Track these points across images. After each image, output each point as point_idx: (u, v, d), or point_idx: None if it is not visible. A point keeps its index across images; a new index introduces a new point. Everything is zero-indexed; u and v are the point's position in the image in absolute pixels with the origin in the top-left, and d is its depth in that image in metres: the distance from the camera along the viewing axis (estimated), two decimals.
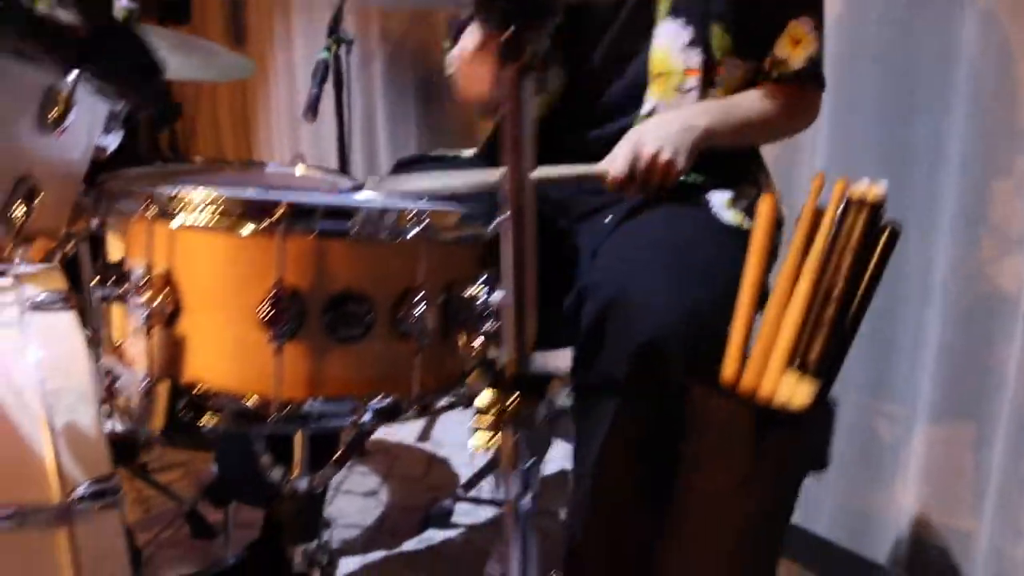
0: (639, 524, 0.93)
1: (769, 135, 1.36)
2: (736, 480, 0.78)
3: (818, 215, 0.79)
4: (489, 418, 0.74)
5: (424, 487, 1.92)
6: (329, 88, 2.04)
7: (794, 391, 0.76)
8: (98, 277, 0.99)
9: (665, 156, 1.16)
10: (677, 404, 0.89)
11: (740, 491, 0.78)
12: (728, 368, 0.83)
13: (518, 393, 0.70)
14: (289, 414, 0.87)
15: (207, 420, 0.89)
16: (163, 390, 0.89)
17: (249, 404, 0.87)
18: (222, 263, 0.88)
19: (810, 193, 0.81)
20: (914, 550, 1.65)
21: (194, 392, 0.88)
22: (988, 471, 1.55)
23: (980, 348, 1.54)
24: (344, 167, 2.17)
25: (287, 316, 0.85)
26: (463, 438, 2.15)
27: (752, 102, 1.28)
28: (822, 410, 0.76)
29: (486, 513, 1.81)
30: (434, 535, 1.73)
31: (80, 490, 1.01)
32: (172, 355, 0.90)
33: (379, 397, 0.90)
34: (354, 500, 1.85)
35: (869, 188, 0.75)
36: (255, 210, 0.86)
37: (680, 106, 1.25)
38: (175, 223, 0.88)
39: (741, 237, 1.23)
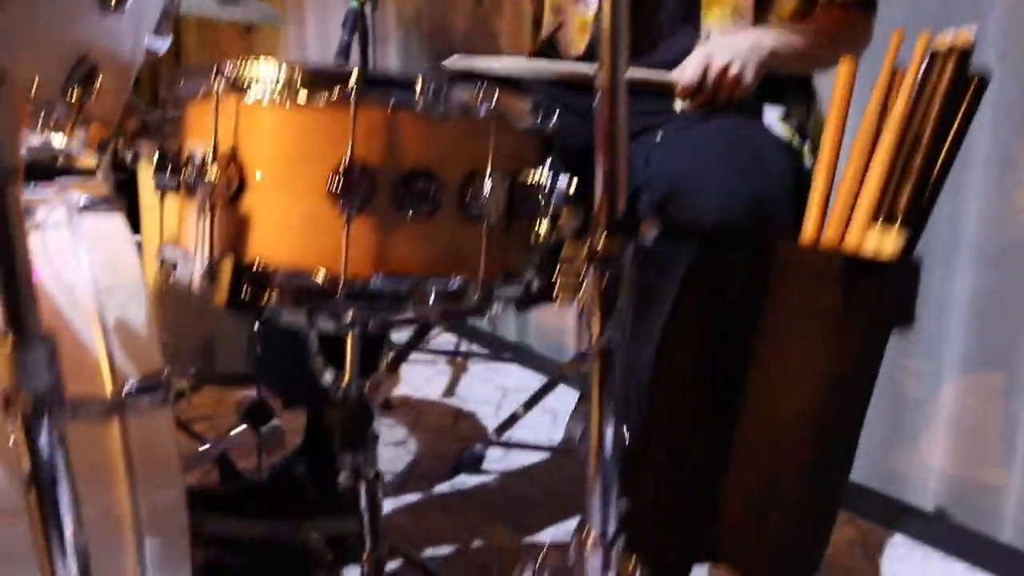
0: (706, 410, 0.91)
1: (823, 61, 1.37)
2: (823, 335, 0.76)
3: (896, 74, 0.78)
4: (574, 268, 0.72)
5: (453, 437, 1.90)
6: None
7: (881, 243, 0.74)
8: (155, 167, 0.98)
9: (735, 69, 1.17)
10: (744, 283, 0.88)
11: (827, 347, 0.76)
12: (808, 226, 0.81)
13: (607, 232, 0.69)
14: (356, 290, 0.86)
15: (270, 297, 0.87)
16: (226, 267, 0.87)
17: (317, 279, 0.85)
18: (291, 136, 0.86)
19: (889, 49, 0.80)
20: (942, 506, 1.63)
21: (258, 268, 0.87)
22: (1018, 424, 1.54)
23: (1011, 297, 1.53)
24: None
25: (358, 188, 0.84)
26: (489, 394, 2.15)
27: (809, 31, 1.29)
28: (910, 262, 0.75)
29: (518, 459, 1.79)
30: (466, 480, 1.70)
31: (131, 384, 1.00)
32: (236, 233, 0.88)
33: (445, 278, 0.89)
34: (383, 449, 1.83)
35: (958, 34, 0.74)
36: (327, 80, 0.85)
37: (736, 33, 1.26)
38: (242, 99, 0.87)
39: (793, 153, 1.23)
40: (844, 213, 0.78)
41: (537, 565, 0.77)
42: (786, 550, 0.85)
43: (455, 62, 1.25)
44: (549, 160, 0.94)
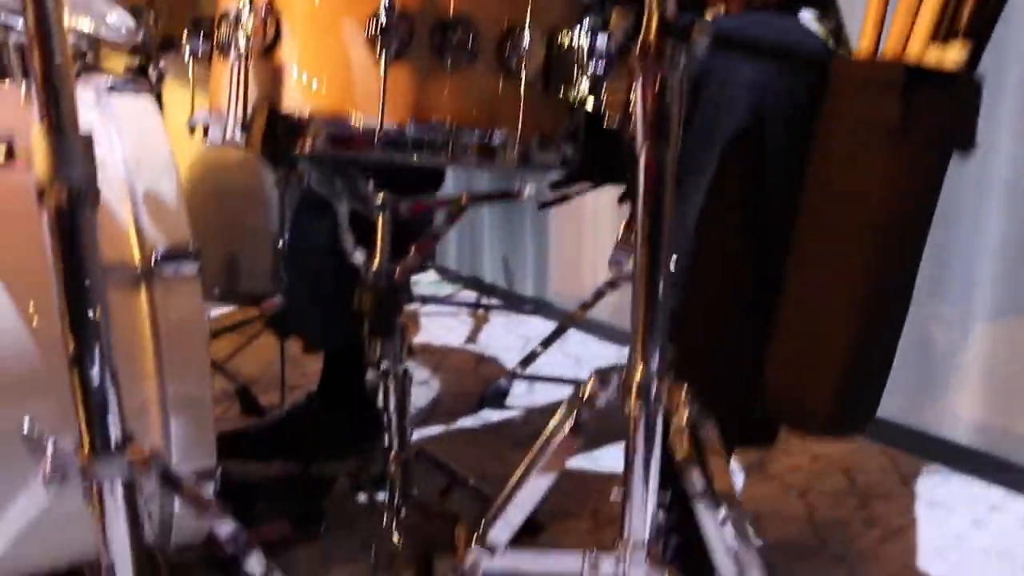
0: (753, 262, 0.88)
1: None
2: (881, 153, 0.73)
3: None
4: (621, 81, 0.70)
5: (475, 378, 1.88)
6: None
7: (943, 57, 0.71)
8: (187, 36, 0.97)
9: None
10: (792, 112, 0.85)
11: (885, 165, 0.72)
12: (865, 41, 0.78)
13: (660, 33, 0.66)
14: (392, 137, 0.84)
15: (304, 145, 0.86)
16: (261, 115, 0.86)
17: (353, 123, 0.84)
18: None
19: None
20: (974, 459, 1.59)
21: (293, 117, 0.85)
22: None
23: None
24: None
25: (396, 33, 0.82)
26: (511, 342, 2.12)
27: None
28: (973, 77, 0.72)
29: (544, 395, 1.76)
30: (490, 415, 1.68)
31: (159, 252, 0.99)
32: (271, 84, 0.86)
33: (482, 131, 0.87)
34: None
35: None
36: None
37: None
38: None
39: (828, 52, 1.20)
40: (903, 29, 0.75)
41: (584, 397, 0.74)
42: (842, 396, 0.82)
43: None
44: (588, 21, 0.92)
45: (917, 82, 0.72)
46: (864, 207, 0.76)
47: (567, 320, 1.90)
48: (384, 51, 0.82)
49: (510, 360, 1.99)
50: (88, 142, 0.65)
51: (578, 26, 0.91)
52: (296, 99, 0.85)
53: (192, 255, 0.99)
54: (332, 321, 1.34)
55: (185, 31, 0.96)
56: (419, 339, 2.10)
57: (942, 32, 0.72)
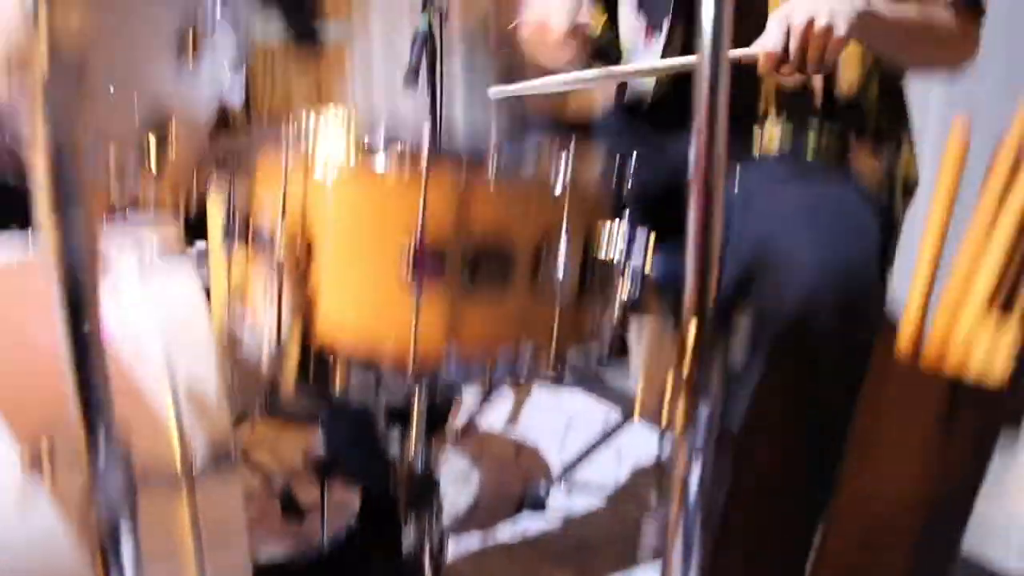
0: (791, 503, 0.86)
1: (920, 54, 1.14)
2: (923, 444, 0.70)
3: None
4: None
5: (516, 471, 1.87)
6: None
7: (995, 344, 0.68)
8: (224, 231, 0.97)
9: (821, 23, 0.99)
10: (832, 369, 0.83)
11: (927, 454, 0.70)
12: (910, 314, 0.75)
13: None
14: (426, 368, 0.83)
15: (338, 382, 0.86)
16: (293, 350, 0.86)
17: (384, 361, 0.83)
18: (360, 210, 0.85)
19: (1016, 120, 0.73)
20: None
21: (325, 351, 0.85)
22: None
23: None
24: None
25: (429, 264, 0.81)
26: (554, 423, 2.07)
27: (913, 7, 1.09)
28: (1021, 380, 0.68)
29: (581, 504, 1.75)
30: (529, 527, 1.66)
31: (200, 456, 0.99)
32: (303, 310, 0.86)
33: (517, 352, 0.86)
34: (445, 487, 1.80)
35: None
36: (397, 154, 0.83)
37: None
38: (310, 175, 0.85)
39: (881, 211, 1.08)
40: (955, 304, 0.71)
41: None
42: None
43: (500, 91, 1.22)
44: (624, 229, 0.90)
45: (962, 402, 0.68)
46: (907, 478, 0.73)
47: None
48: (416, 284, 0.81)
49: (552, 447, 1.97)
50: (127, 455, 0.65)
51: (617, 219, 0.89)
52: (329, 330, 0.85)
53: (230, 456, 0.99)
54: (373, 465, 1.33)
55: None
56: (462, 416, 2.08)
57: (998, 299, 0.69)
